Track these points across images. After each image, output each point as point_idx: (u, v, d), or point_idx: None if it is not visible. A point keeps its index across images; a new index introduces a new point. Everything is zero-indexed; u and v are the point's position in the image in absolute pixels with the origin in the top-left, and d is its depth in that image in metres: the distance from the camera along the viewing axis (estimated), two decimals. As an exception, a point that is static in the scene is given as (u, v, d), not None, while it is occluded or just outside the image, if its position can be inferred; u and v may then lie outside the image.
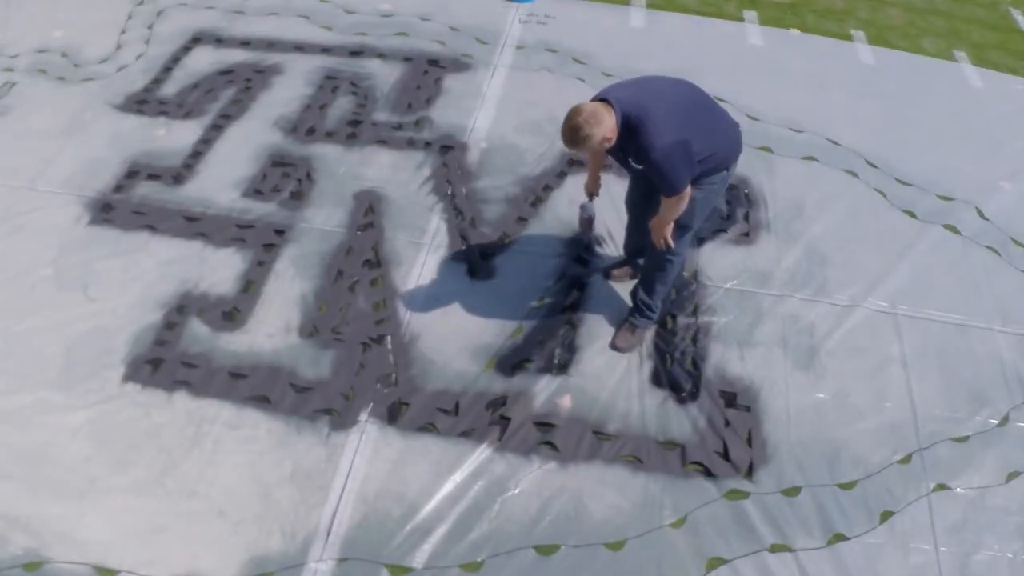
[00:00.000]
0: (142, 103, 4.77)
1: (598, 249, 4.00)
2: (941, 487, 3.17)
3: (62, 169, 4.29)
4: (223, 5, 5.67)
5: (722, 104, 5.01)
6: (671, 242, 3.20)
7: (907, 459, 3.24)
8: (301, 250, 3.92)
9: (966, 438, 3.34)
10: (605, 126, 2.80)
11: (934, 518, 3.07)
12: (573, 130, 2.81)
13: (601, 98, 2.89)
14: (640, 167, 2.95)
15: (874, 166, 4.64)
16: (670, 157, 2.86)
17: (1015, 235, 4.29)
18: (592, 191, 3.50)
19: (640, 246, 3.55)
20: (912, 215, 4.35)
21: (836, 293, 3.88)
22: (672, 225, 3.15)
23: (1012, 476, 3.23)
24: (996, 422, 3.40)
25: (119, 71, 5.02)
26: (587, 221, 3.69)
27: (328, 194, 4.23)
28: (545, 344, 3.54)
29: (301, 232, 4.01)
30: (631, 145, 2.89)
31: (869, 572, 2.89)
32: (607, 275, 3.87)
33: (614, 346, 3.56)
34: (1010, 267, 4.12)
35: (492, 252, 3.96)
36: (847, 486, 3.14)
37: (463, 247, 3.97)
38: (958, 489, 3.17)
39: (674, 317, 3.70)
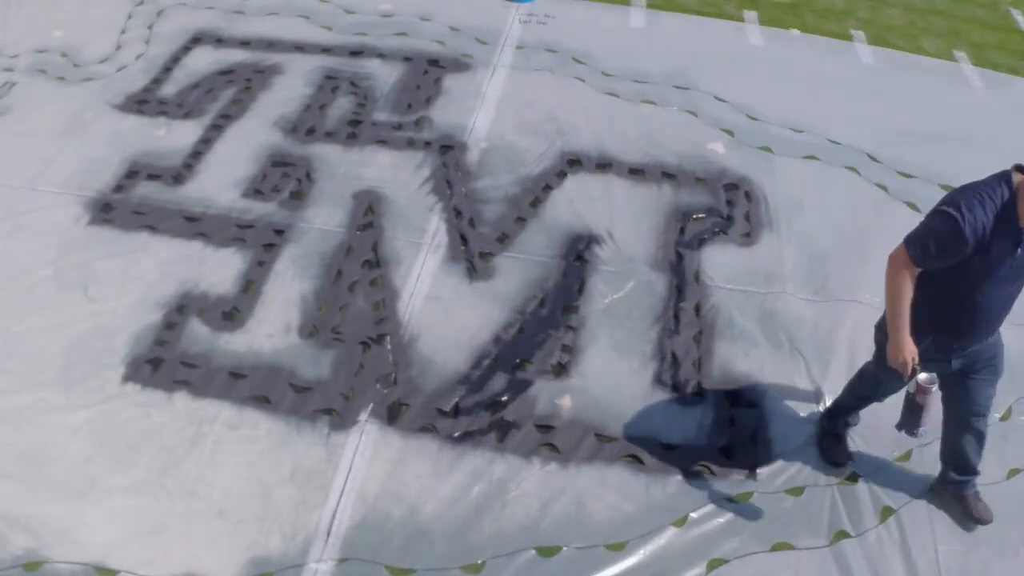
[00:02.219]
0: (142, 103, 4.76)
1: (597, 249, 3.99)
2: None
3: (62, 169, 4.28)
4: (223, 5, 5.66)
5: (722, 104, 5.10)
6: None
7: (907, 455, 3.23)
8: (301, 250, 3.91)
9: None
10: None
11: (934, 516, 3.05)
12: None
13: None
14: None
15: (876, 160, 4.63)
16: None
17: (1016, 235, 4.28)
18: (916, 357, 2.57)
19: None
20: (914, 207, 4.33)
21: (838, 291, 3.87)
22: None
23: (1013, 473, 3.22)
24: (998, 416, 3.39)
25: (119, 71, 5.01)
26: (922, 406, 2.66)
27: (328, 194, 4.22)
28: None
29: (301, 232, 4.01)
30: None
31: (870, 571, 2.89)
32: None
33: (980, 519, 2.99)
34: (1011, 267, 4.11)
35: (491, 252, 3.95)
36: (849, 482, 3.14)
37: (463, 247, 3.97)
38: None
39: (676, 317, 3.70)
